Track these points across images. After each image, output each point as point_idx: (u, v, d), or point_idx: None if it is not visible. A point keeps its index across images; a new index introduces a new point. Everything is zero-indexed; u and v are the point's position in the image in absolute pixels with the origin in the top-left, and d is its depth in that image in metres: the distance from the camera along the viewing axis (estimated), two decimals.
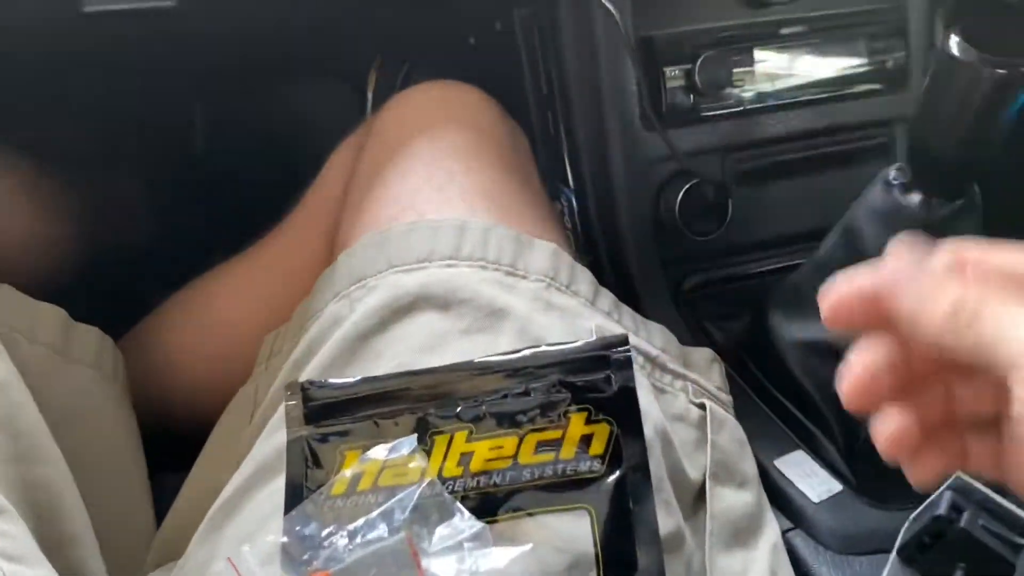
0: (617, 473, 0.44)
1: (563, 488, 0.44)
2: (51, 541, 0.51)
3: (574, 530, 0.43)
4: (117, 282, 0.90)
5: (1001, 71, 0.50)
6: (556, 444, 0.44)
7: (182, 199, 1.03)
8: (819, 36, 0.76)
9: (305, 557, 0.44)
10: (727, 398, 0.60)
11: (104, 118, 0.98)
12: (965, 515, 0.50)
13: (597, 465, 0.44)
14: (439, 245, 0.55)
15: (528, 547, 0.42)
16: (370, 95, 1.01)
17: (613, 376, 0.46)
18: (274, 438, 0.52)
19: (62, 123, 0.94)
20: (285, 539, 0.44)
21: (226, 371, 0.68)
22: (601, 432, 0.45)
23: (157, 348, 0.75)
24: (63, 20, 0.77)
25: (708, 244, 0.74)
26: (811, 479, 0.60)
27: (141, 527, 0.63)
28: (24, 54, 0.83)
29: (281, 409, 0.52)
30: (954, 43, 0.51)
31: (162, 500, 0.64)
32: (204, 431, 0.64)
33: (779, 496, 0.59)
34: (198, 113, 1.10)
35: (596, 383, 0.46)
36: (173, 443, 0.66)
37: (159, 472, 0.67)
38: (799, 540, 0.57)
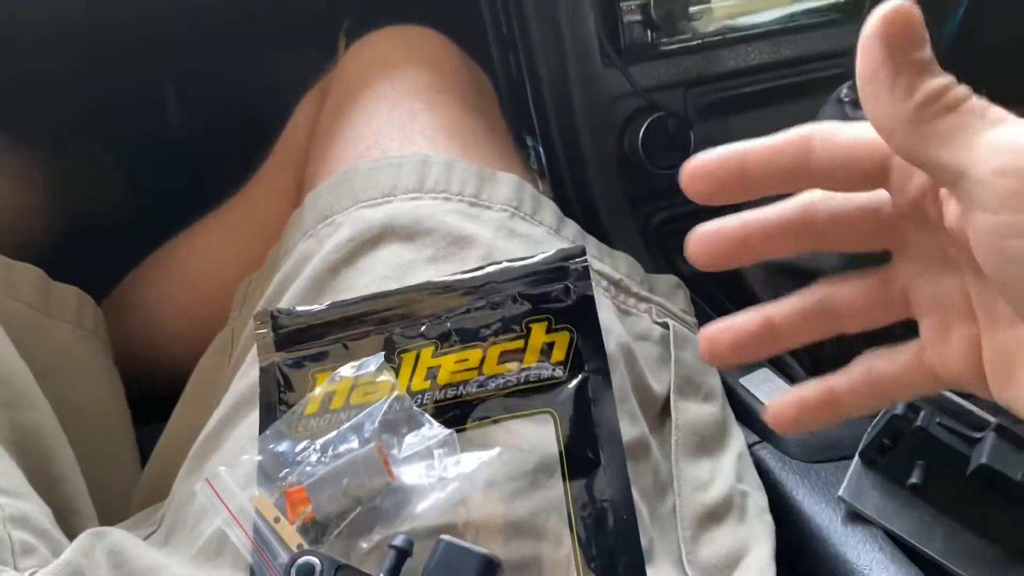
0: (578, 378, 0.46)
1: (527, 394, 0.45)
2: (42, 481, 0.52)
3: (539, 433, 0.45)
4: (93, 250, 0.91)
5: None
6: (519, 354, 0.46)
7: (155, 168, 1.04)
8: None
9: (281, 474, 0.45)
10: (691, 320, 0.62)
11: (75, 89, 0.99)
12: (922, 414, 0.52)
13: (559, 371, 0.46)
14: (403, 180, 0.56)
15: (496, 451, 0.44)
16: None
17: (572, 286, 0.47)
18: (250, 374, 0.53)
19: (33, 96, 0.94)
20: (260, 458, 0.45)
21: (205, 322, 0.69)
22: (561, 340, 0.46)
23: (137, 305, 0.76)
24: None
25: (673, 179, 0.74)
26: (776, 394, 0.61)
27: (127, 472, 0.65)
28: None
29: (255, 348, 0.54)
30: None
31: (149, 448, 0.66)
32: (186, 382, 0.65)
33: (745, 412, 0.61)
34: (168, 82, 1.10)
35: (555, 293, 0.47)
36: (157, 396, 0.68)
37: (146, 423, 0.69)
38: (765, 452, 0.59)
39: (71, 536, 0.50)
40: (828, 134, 0.30)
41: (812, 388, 0.33)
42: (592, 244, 0.60)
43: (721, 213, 0.33)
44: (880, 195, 0.31)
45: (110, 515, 0.59)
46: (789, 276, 0.64)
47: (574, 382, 0.45)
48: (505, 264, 0.48)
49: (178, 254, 0.78)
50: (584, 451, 0.44)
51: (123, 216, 1.00)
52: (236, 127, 1.04)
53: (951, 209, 0.28)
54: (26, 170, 0.85)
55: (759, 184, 0.31)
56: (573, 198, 0.76)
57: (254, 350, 0.54)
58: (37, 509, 0.49)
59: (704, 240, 0.32)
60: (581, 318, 0.47)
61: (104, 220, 0.97)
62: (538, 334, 0.46)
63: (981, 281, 0.29)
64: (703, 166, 0.31)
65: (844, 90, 0.60)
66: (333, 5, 1.04)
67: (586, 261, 0.48)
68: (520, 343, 0.46)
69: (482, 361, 0.46)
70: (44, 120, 0.94)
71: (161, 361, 0.74)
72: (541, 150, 0.79)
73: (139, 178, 1.03)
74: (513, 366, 0.46)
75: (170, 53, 1.05)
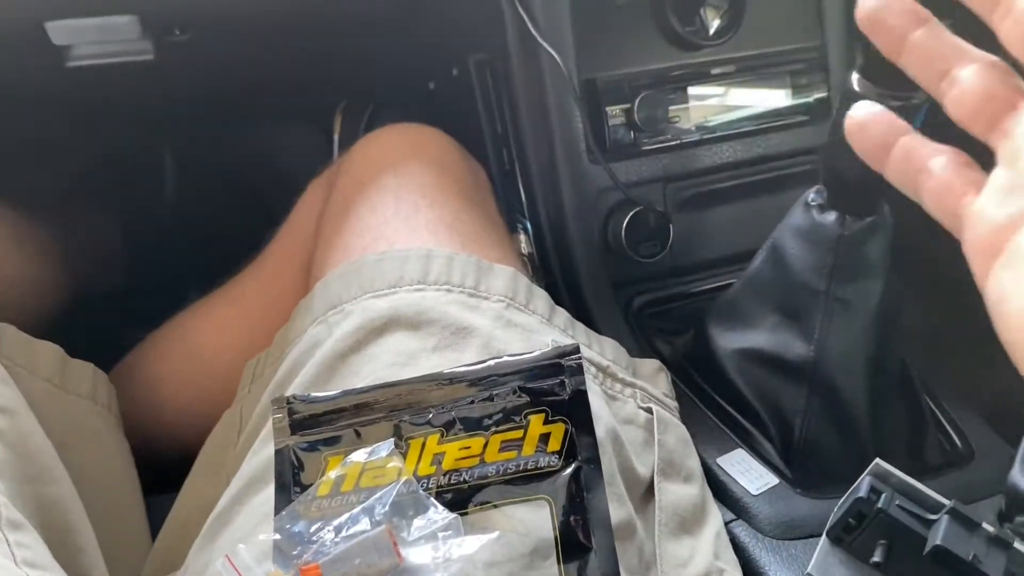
0: (572, 467, 0.50)
1: (525, 481, 0.49)
2: (63, 553, 0.55)
3: (535, 518, 0.49)
4: (99, 319, 0.94)
5: (895, 103, 0.57)
6: (518, 443, 0.50)
7: (157, 239, 1.08)
8: (747, 74, 0.83)
9: (295, 552, 0.48)
10: (673, 403, 0.66)
11: (81, 164, 1.03)
12: (883, 497, 0.57)
13: (554, 460, 0.50)
14: (408, 272, 0.60)
15: (495, 535, 0.47)
16: (336, 137, 1.07)
17: (567, 381, 0.52)
18: (262, 453, 0.57)
19: (42, 171, 0.98)
20: (277, 536, 0.49)
21: (209, 398, 0.72)
22: (557, 431, 0.50)
23: (144, 380, 0.79)
24: (46, 74, 0.82)
25: (653, 266, 0.80)
26: (750, 474, 0.66)
27: (138, 543, 0.67)
28: (6, 106, 0.88)
29: (267, 427, 0.57)
30: (855, 79, 0.59)
31: (154, 519, 0.69)
32: (191, 454, 0.68)
33: (722, 491, 0.65)
34: (168, 156, 1.14)
35: (552, 388, 0.51)
36: (162, 467, 0.71)
37: (150, 494, 0.72)
38: (740, 529, 0.63)
39: None
40: None
41: (897, 124, 0.35)
42: (581, 332, 0.65)
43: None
44: None
45: None
46: (759, 362, 0.69)
47: (568, 471, 0.49)
48: (506, 358, 0.53)
49: (183, 331, 0.81)
50: (577, 536, 0.48)
51: (125, 286, 1.03)
52: (236, 200, 1.09)
53: None
54: (39, 246, 0.88)
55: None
56: (560, 282, 0.81)
57: (266, 429, 0.57)
58: None
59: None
60: (575, 411, 0.51)
61: (107, 290, 1.00)
62: (536, 425, 0.50)
63: None
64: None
65: (811, 195, 0.66)
66: (332, 87, 1.09)
67: (580, 358, 0.52)
68: (519, 433, 0.50)
69: (484, 449, 0.50)
70: (52, 198, 0.97)
71: (165, 433, 0.77)
72: (530, 229, 0.84)
73: (141, 249, 1.06)
74: (512, 454, 0.50)
75: (171, 130, 1.10)
